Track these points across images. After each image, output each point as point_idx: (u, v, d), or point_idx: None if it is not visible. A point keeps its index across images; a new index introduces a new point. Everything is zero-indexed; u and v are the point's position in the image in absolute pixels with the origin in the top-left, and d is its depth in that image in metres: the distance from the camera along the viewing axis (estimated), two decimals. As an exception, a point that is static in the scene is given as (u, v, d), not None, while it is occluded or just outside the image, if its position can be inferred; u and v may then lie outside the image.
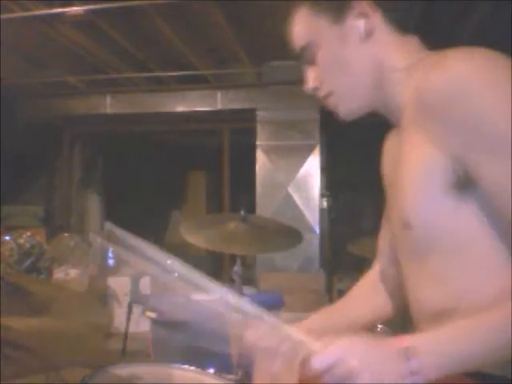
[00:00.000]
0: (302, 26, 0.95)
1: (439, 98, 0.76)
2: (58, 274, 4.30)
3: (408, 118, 0.85)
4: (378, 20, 0.90)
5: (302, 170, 4.70)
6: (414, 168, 0.82)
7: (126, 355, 3.71)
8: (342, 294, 4.36)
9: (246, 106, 4.88)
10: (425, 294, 0.88)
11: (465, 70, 0.75)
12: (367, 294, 1.17)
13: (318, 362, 0.74)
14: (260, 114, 4.82)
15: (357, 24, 0.89)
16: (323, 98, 0.97)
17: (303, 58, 0.97)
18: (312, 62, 0.96)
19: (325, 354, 0.74)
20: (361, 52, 0.91)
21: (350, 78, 0.93)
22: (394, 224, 0.92)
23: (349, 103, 0.96)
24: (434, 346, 0.75)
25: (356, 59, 0.91)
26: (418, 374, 0.72)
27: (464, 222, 0.79)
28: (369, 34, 0.89)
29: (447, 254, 0.82)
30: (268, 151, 4.78)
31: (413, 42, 0.92)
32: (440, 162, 0.79)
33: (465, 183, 0.78)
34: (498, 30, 3.43)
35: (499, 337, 0.72)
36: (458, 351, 0.74)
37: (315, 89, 0.97)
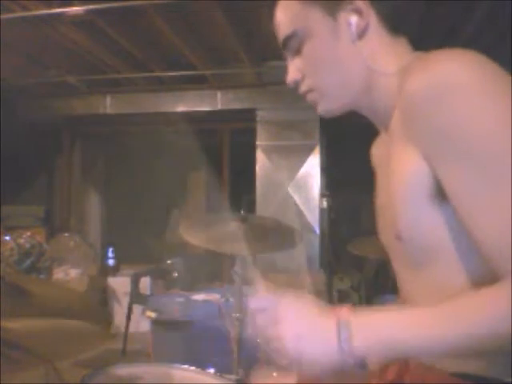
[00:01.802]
0: (289, 13, 0.89)
1: (417, 100, 0.74)
2: (58, 274, 4.31)
3: (396, 124, 0.83)
4: (371, 19, 0.86)
5: (302, 170, 4.70)
6: (400, 178, 0.80)
7: (125, 355, 3.71)
8: (342, 293, 4.36)
9: (245, 106, 4.88)
10: (422, 300, 0.86)
11: (445, 74, 0.72)
12: None
13: (252, 303, 0.80)
14: (260, 114, 4.82)
15: (349, 20, 0.85)
16: (303, 93, 0.93)
17: (286, 47, 0.91)
18: (296, 52, 0.91)
19: (260, 298, 0.81)
20: (352, 51, 0.86)
21: (336, 77, 0.89)
22: (387, 234, 0.90)
23: (330, 102, 0.91)
24: (372, 323, 0.73)
25: (346, 58, 0.87)
26: (345, 343, 0.71)
27: (454, 231, 0.77)
28: (361, 34, 0.86)
29: (441, 263, 0.80)
30: (268, 151, 4.78)
31: (403, 44, 0.90)
32: (422, 169, 0.76)
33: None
34: (497, 30, 3.43)
35: (452, 329, 0.69)
36: (399, 336, 0.71)
37: (296, 82, 0.92)
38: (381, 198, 0.94)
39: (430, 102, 0.72)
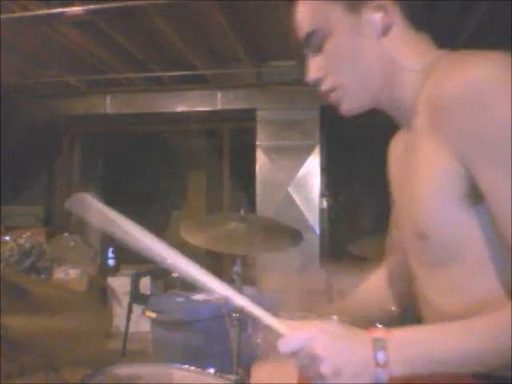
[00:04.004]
0: (311, 10, 0.88)
1: (455, 101, 0.73)
2: (58, 274, 4.30)
3: (422, 122, 0.82)
4: (396, 16, 0.85)
5: (302, 170, 4.69)
6: (428, 177, 0.79)
7: (125, 355, 3.71)
8: (342, 293, 4.36)
9: (245, 105, 4.88)
10: (443, 301, 0.86)
11: (485, 76, 0.71)
12: (379, 292, 1.16)
13: (283, 347, 0.75)
14: (260, 114, 4.82)
15: (374, 17, 0.84)
16: (326, 92, 0.91)
17: (308, 45, 0.90)
18: (318, 50, 0.89)
19: (289, 339, 0.75)
20: (376, 48, 0.85)
21: (360, 74, 0.87)
22: (408, 232, 0.89)
23: (354, 99, 0.90)
24: (406, 343, 0.73)
25: (370, 55, 0.86)
26: (382, 367, 0.71)
27: (482, 231, 0.76)
28: (386, 31, 0.84)
29: (466, 262, 0.80)
30: (268, 151, 4.78)
31: (426, 41, 0.89)
32: (454, 170, 0.75)
33: (480, 192, 0.75)
34: (497, 30, 3.43)
35: (486, 344, 0.70)
36: (432, 353, 0.72)
37: (318, 80, 0.90)
38: (400, 196, 0.92)
39: (465, 105, 0.72)
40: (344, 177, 5.37)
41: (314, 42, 0.88)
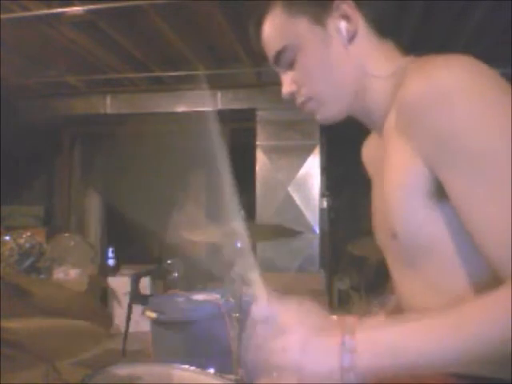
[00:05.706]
0: (277, 29, 0.91)
1: (417, 103, 0.74)
2: (58, 274, 4.30)
3: (390, 127, 0.84)
4: (359, 22, 0.88)
5: (302, 170, 4.70)
6: (396, 177, 0.81)
7: (125, 355, 3.71)
8: (341, 293, 4.36)
9: (245, 106, 4.88)
10: (417, 300, 0.86)
11: (445, 79, 0.73)
12: None
13: (256, 311, 0.79)
14: (260, 114, 4.82)
15: (339, 26, 0.87)
16: (301, 103, 0.95)
17: (279, 62, 0.93)
18: (289, 66, 0.92)
19: (264, 307, 0.79)
20: (344, 56, 0.88)
21: (332, 83, 0.91)
22: (382, 233, 0.91)
23: (329, 108, 0.93)
24: (374, 344, 0.72)
25: (340, 63, 0.89)
26: (350, 371, 0.70)
27: (449, 228, 0.77)
28: (351, 38, 0.87)
29: (436, 261, 0.80)
30: (268, 151, 4.78)
31: (391, 48, 0.91)
32: (420, 170, 0.77)
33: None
34: (497, 30, 3.43)
35: (460, 339, 0.69)
36: (403, 353, 0.71)
37: (292, 94, 0.95)
38: (375, 198, 0.95)
39: (429, 108, 0.73)
40: (344, 177, 5.36)
41: (285, 58, 0.91)
